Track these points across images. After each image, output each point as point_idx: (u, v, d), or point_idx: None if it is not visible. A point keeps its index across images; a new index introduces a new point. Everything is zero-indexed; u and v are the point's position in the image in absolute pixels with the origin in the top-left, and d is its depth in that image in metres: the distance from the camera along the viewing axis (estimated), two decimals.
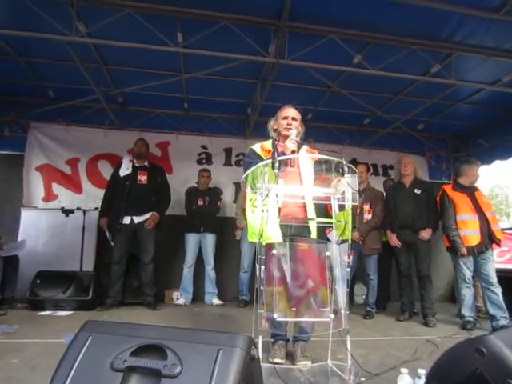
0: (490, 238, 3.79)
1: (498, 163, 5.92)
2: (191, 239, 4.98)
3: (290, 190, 2.41)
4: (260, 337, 2.17)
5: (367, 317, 4.25)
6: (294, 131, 2.52)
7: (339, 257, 2.39)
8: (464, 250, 3.76)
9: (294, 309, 2.44)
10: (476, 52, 3.91)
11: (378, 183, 5.59)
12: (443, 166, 6.47)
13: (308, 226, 2.49)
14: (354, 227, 3.82)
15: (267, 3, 3.38)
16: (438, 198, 4.09)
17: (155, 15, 3.48)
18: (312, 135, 4.55)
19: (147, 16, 3.46)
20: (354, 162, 5.77)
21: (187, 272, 4.94)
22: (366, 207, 4.39)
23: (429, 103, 5.10)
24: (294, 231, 2.47)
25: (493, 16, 3.33)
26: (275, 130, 2.73)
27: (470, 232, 3.80)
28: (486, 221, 3.80)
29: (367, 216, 4.39)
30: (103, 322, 1.39)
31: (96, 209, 5.01)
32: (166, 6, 3.41)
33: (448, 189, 4.03)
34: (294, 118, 2.65)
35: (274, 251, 2.27)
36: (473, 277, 3.90)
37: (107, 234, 4.51)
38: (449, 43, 3.84)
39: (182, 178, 5.58)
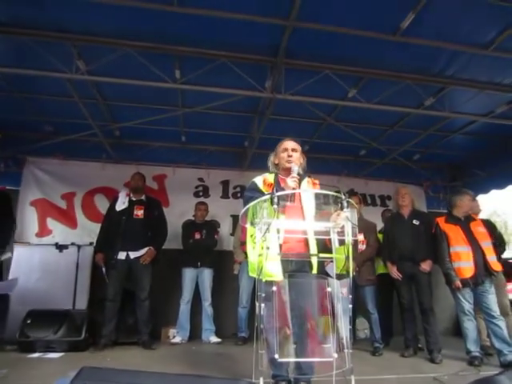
0: (486, 270, 3.75)
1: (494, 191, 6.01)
2: (188, 274, 4.92)
3: (290, 225, 2.41)
4: (261, 378, 2.11)
5: (376, 353, 4.13)
6: (296, 168, 2.54)
7: (340, 292, 2.37)
8: (458, 283, 3.74)
9: (295, 347, 2.38)
10: (468, 86, 4.05)
11: (376, 214, 5.63)
12: (440, 195, 6.53)
13: (309, 261, 2.48)
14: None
15: (264, 41, 3.52)
16: (433, 231, 4.10)
17: (153, 53, 3.61)
18: (309, 166, 4.58)
19: (146, 54, 3.59)
20: (352, 191, 5.83)
21: (184, 308, 4.85)
22: (360, 238, 4.40)
23: (424, 134, 5.22)
24: (295, 266, 2.45)
25: (482, 52, 3.49)
26: (276, 165, 2.75)
27: (463, 264, 3.78)
28: (482, 252, 3.78)
29: (361, 246, 4.40)
30: (99, 368, 1.35)
31: (91, 244, 4.95)
32: (165, 44, 3.54)
33: (441, 221, 4.04)
34: (294, 149, 2.67)
35: (274, 288, 2.24)
36: (475, 310, 3.85)
37: (103, 269, 4.44)
38: (441, 77, 3.99)
39: (178, 211, 5.57)
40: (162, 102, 4.59)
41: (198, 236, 5.03)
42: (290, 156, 2.64)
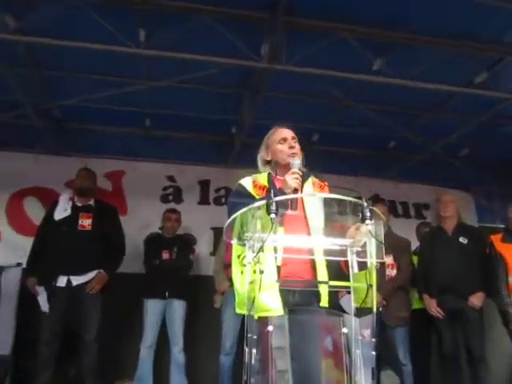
0: None
1: None
2: (152, 308, 4.89)
3: (293, 241, 2.40)
4: None
5: None
6: (298, 161, 2.52)
7: (360, 334, 2.37)
8: None
9: None
10: None
11: (409, 228, 5.67)
12: (496, 205, 6.57)
13: (317, 291, 2.47)
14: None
15: None
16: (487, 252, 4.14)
17: (109, 7, 3.60)
18: (319, 163, 4.61)
19: (99, 7, 3.57)
20: (376, 197, 5.85)
21: (146, 355, 4.80)
22: (389, 260, 4.41)
23: (473, 122, 5.25)
24: (299, 298, 2.44)
25: None
26: (268, 162, 2.74)
27: None
28: None
29: (390, 271, 4.42)
30: None
31: (18, 265, 4.96)
32: None
33: (496, 240, 4.10)
34: (294, 138, 2.67)
35: (271, 327, 2.23)
36: None
37: (39, 298, 4.40)
38: (497, 45, 4.02)
39: (140, 222, 5.60)
40: (119, 73, 4.57)
41: (166, 255, 5.02)
42: (292, 147, 2.62)
